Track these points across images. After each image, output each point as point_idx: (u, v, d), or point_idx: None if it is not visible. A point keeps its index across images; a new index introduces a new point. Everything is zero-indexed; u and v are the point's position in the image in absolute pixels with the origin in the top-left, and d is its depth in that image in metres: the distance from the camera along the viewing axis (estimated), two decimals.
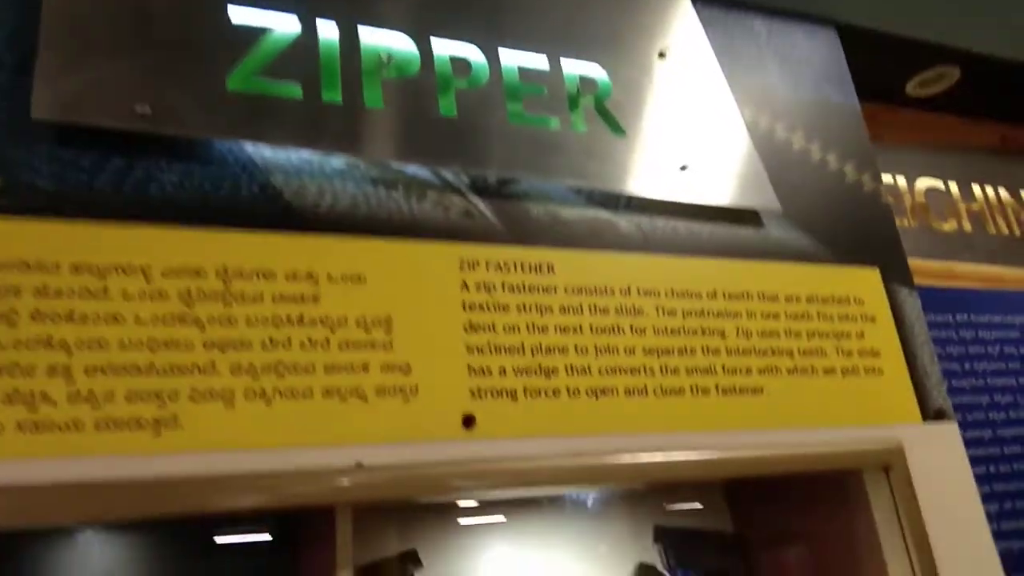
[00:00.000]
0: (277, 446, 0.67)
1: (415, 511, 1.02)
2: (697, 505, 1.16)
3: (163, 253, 0.70)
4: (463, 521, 1.04)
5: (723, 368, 0.89)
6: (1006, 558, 0.99)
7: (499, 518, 1.05)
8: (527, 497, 1.03)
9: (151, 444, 0.64)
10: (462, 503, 1.03)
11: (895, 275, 1.06)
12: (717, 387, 0.88)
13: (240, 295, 0.71)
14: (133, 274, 0.68)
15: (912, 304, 1.05)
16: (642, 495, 1.13)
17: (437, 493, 0.72)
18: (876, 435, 0.94)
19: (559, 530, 1.09)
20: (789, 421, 0.90)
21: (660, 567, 1.11)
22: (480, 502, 1.03)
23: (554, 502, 1.05)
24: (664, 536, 1.14)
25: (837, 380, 0.95)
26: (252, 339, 0.70)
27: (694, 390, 0.87)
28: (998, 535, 1.00)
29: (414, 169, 0.84)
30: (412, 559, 1.00)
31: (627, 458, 0.81)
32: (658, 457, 0.82)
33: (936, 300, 1.32)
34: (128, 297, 0.68)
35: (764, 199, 1.01)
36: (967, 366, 1.34)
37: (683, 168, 0.97)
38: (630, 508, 1.13)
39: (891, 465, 0.93)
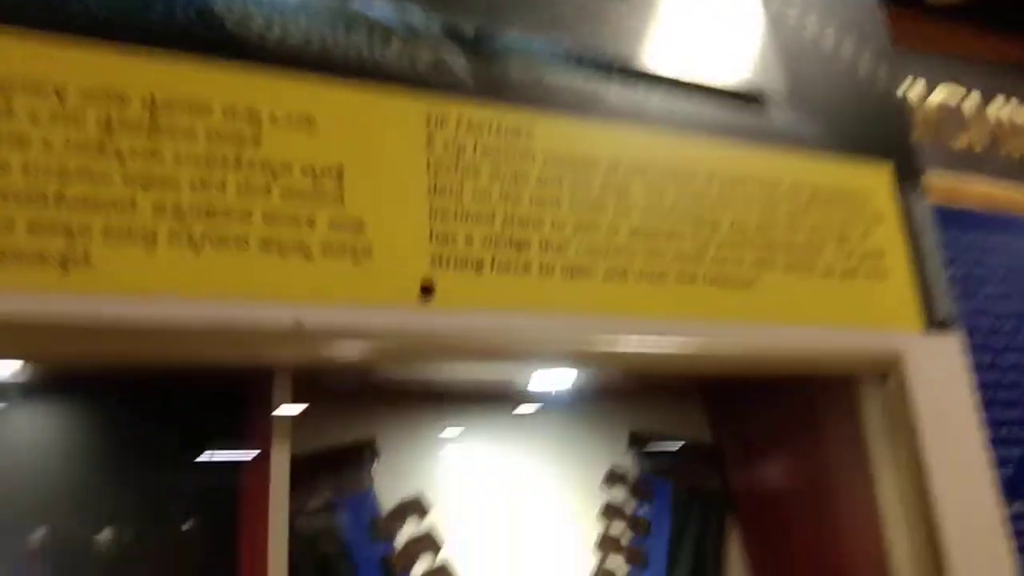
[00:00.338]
0: (205, 297, 0.60)
1: (373, 402, 0.95)
2: (674, 411, 1.10)
3: (81, 73, 0.61)
4: (425, 416, 0.98)
5: (713, 257, 0.81)
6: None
7: (462, 413, 0.99)
8: (495, 392, 0.96)
9: (57, 282, 0.56)
10: (436, 418, 0.97)
11: (907, 174, 0.97)
12: (705, 276, 0.80)
13: (169, 128, 0.62)
14: (44, 94, 0.59)
15: (923, 207, 0.97)
16: (618, 399, 1.07)
17: (386, 362, 0.65)
18: (874, 341, 0.87)
19: (528, 431, 1.02)
20: (781, 319, 0.83)
21: (632, 475, 1.05)
22: (442, 396, 0.96)
23: (524, 400, 0.99)
24: (639, 443, 1.08)
25: (836, 280, 0.88)
26: (180, 178, 0.61)
27: (680, 277, 0.79)
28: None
29: (379, 10, 0.74)
30: (369, 448, 0.94)
31: (601, 341, 0.73)
32: (635, 343, 0.75)
33: (942, 218, 1.24)
34: (36, 119, 0.59)
35: (771, 80, 0.91)
36: (970, 289, 1.27)
37: (686, 38, 0.87)
38: (604, 413, 1.06)
39: (888, 373, 0.86)
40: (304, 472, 0.90)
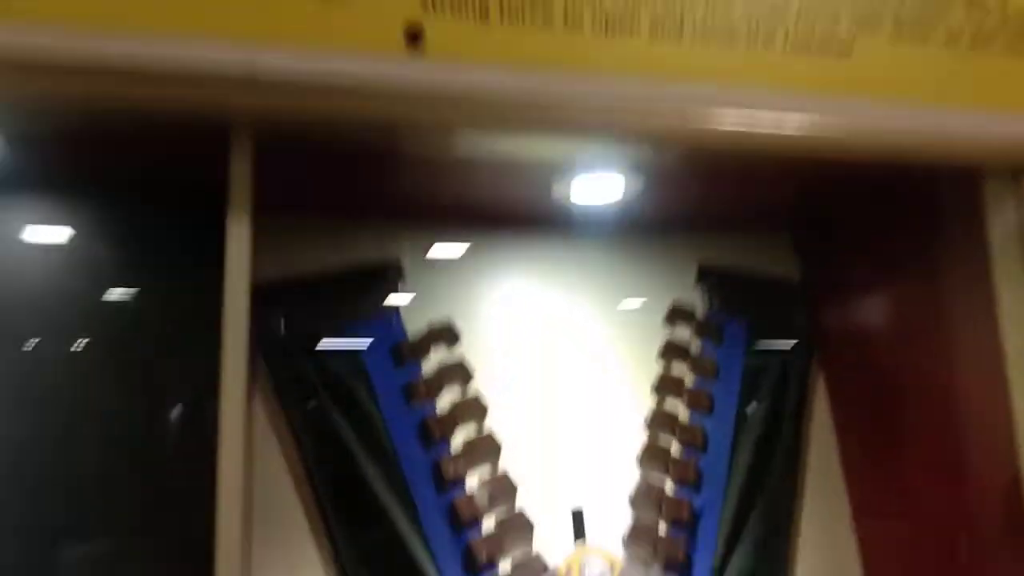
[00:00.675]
0: (139, 32, 0.49)
1: (401, 221, 0.84)
2: (751, 242, 0.94)
3: None
4: (459, 240, 0.87)
5: (798, 13, 0.64)
6: None
7: (501, 237, 0.87)
8: (538, 213, 0.83)
9: None
10: (470, 242, 0.85)
11: None
12: (786, 37, 0.63)
13: None
14: None
15: None
16: (684, 228, 0.92)
17: (362, 123, 0.53)
18: (1008, 125, 0.68)
19: (576, 259, 0.90)
20: (886, 94, 0.65)
21: (699, 312, 0.92)
22: (479, 217, 0.84)
23: (573, 221, 0.85)
24: (709, 277, 0.93)
25: (962, 50, 0.68)
26: None
27: (751, 37, 0.62)
28: None
29: None
30: (394, 270, 0.84)
31: (644, 111, 0.59)
32: (689, 117, 0.60)
33: None
34: None
35: None
36: None
37: None
38: (668, 243, 0.92)
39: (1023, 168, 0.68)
40: (323, 291, 0.82)
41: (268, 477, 0.75)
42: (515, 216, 0.84)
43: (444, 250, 0.86)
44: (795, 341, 0.93)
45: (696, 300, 0.92)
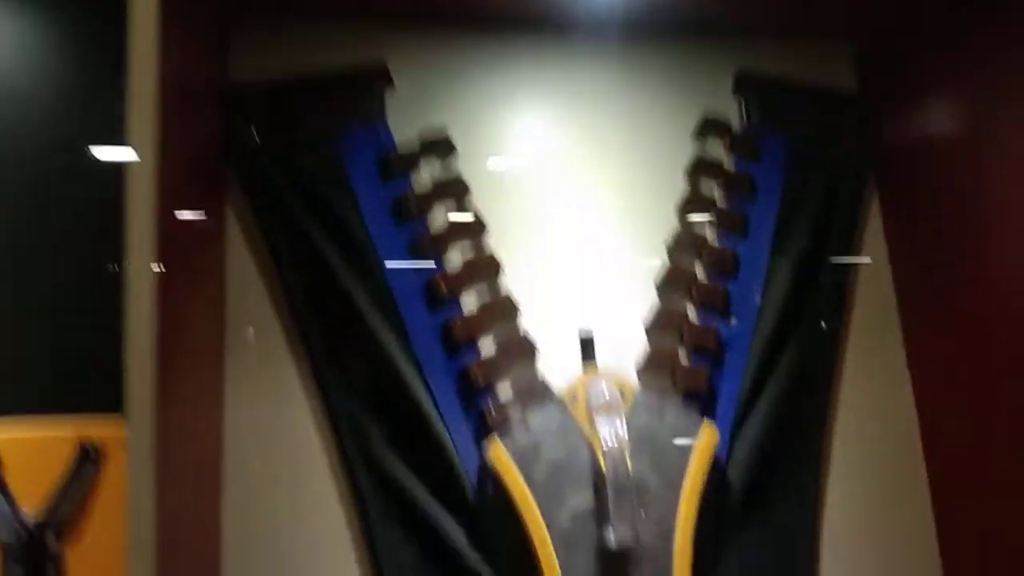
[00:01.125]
0: None
1: (388, 21, 0.75)
2: (798, 47, 0.80)
3: None
4: (454, 42, 0.76)
5: None
6: None
7: (503, 38, 0.76)
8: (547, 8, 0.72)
9: None
10: (467, 43, 0.75)
11: None
12: None
13: None
14: None
15: None
16: (720, 31, 0.79)
17: None
18: None
19: (592, 62, 0.79)
20: None
21: (735, 125, 0.80)
22: (478, 18, 0.74)
23: (583, 20, 0.74)
24: (749, 86, 0.81)
25: None
26: None
27: None
28: None
29: None
30: (379, 74, 0.74)
31: None
32: None
33: None
34: None
35: None
36: None
37: None
38: (701, 43, 0.80)
39: None
40: (300, 97, 0.74)
41: (243, 298, 0.69)
42: (525, 21, 0.73)
43: (440, 55, 0.76)
44: (847, 160, 0.81)
45: (732, 112, 0.80)
